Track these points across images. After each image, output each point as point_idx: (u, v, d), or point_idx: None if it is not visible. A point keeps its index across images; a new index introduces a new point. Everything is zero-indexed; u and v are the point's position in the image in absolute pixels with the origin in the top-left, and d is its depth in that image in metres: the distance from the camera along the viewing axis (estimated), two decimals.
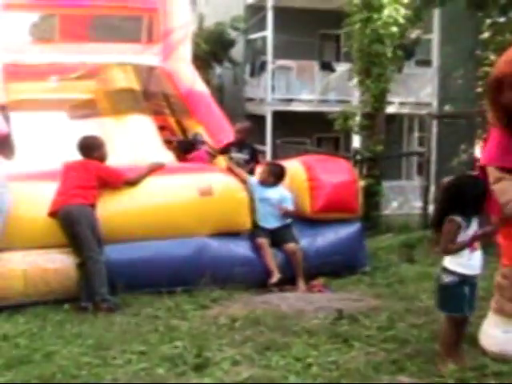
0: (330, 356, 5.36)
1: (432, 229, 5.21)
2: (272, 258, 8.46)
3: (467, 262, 4.94)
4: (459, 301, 4.97)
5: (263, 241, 8.51)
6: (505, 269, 5.47)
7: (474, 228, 4.95)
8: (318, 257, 8.76)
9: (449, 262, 5.00)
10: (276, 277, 8.32)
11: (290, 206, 8.80)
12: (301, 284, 8.39)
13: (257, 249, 8.52)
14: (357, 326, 6.20)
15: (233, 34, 25.91)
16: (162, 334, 6.10)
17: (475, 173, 5.29)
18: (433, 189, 17.28)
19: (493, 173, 5.32)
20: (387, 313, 6.61)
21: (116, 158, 8.80)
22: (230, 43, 26.00)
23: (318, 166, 9.47)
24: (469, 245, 4.92)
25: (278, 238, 8.65)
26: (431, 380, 4.89)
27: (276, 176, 8.93)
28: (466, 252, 4.94)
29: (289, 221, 8.82)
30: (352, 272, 8.96)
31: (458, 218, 4.87)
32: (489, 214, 5.44)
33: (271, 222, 8.72)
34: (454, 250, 4.91)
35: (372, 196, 16.52)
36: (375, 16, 16.39)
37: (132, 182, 8.15)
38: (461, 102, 24.74)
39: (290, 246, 8.61)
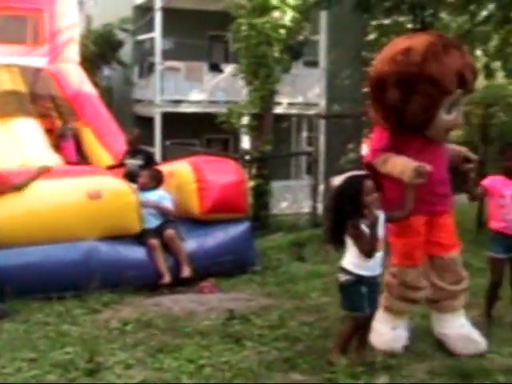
0: (222, 356, 5.38)
1: (330, 238, 5.20)
2: (163, 259, 8.45)
3: (364, 263, 4.96)
4: (356, 300, 5.01)
5: (154, 242, 8.49)
6: (393, 268, 5.60)
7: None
8: (208, 258, 8.79)
9: (346, 262, 5.02)
10: (167, 278, 8.32)
11: (167, 205, 8.87)
12: (185, 271, 8.47)
13: (148, 251, 8.49)
14: (248, 325, 6.24)
15: (121, 35, 25.64)
16: (52, 340, 6.00)
17: (361, 171, 5.35)
18: (321, 188, 17.53)
19: (377, 160, 5.43)
20: (278, 311, 6.68)
21: (2, 162, 8.61)
22: (119, 44, 25.71)
23: (206, 167, 9.51)
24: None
25: (162, 233, 8.66)
26: (323, 376, 4.97)
27: (156, 180, 9.01)
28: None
29: (171, 218, 8.87)
30: (242, 272, 9.03)
31: (358, 221, 4.88)
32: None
33: (153, 221, 8.74)
34: (371, 247, 4.88)
35: (261, 196, 16.64)
36: (263, 19, 16.51)
37: (19, 187, 7.99)
38: (348, 102, 25.21)
39: (169, 232, 8.66)
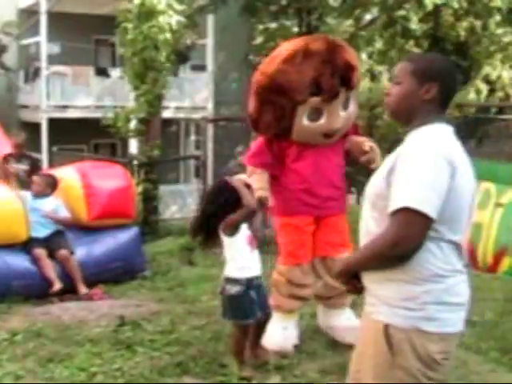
0: (114, 363, 5.35)
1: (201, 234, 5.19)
2: (51, 267, 8.30)
3: (248, 264, 5.02)
4: (247, 308, 5.02)
5: (40, 251, 8.33)
6: (280, 266, 5.69)
7: (244, 226, 5.04)
8: (98, 264, 8.70)
9: (230, 270, 5.03)
10: (57, 286, 8.18)
11: (62, 214, 8.70)
12: (81, 288, 8.31)
13: (35, 260, 8.31)
14: (139, 331, 6.22)
15: (5, 39, 25.02)
16: None
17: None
18: None
19: (248, 168, 5.65)
20: (169, 316, 6.68)
21: None
22: (2, 49, 25.09)
23: (93, 172, 9.40)
24: (249, 244, 5.02)
25: (51, 245, 8.48)
26: (215, 380, 5.01)
27: (51, 187, 8.80)
28: (247, 253, 5.01)
29: (60, 228, 8.70)
30: (132, 278, 8.99)
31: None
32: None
33: (42, 231, 8.54)
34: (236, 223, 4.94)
35: (150, 201, 16.53)
36: (149, 23, 16.43)
37: None
38: (236, 106, 25.35)
39: (62, 252, 8.48)
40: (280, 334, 5.59)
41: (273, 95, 5.34)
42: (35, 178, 9.01)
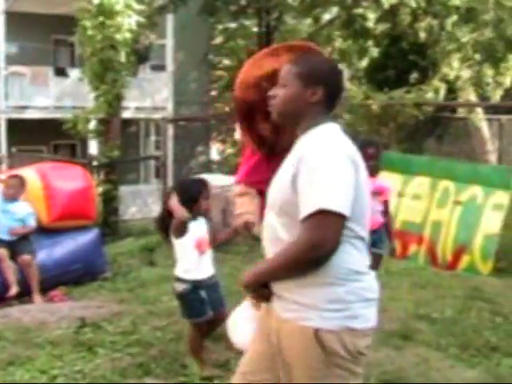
0: (75, 365, 5.32)
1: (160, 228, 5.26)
2: (12, 270, 8.20)
3: (196, 267, 5.04)
4: (198, 306, 5.05)
5: (2, 252, 8.23)
6: None
7: (195, 228, 5.06)
8: (58, 266, 8.63)
9: (179, 270, 5.08)
10: (13, 290, 8.07)
11: (32, 223, 8.58)
12: (37, 298, 8.20)
13: None
14: (100, 332, 6.19)
15: None
16: None
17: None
18: None
19: (238, 187, 5.45)
20: (130, 317, 6.65)
21: None
22: None
23: (53, 173, 9.31)
24: (197, 248, 5.04)
25: (14, 248, 8.38)
26: (177, 380, 5.01)
27: (23, 189, 8.61)
28: (194, 257, 5.03)
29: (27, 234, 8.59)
30: (93, 279, 8.94)
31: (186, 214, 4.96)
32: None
33: (8, 235, 8.43)
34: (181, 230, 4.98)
35: (110, 201, 16.47)
36: (108, 22, 16.35)
37: None
38: (196, 105, 25.33)
39: (25, 257, 8.35)
40: (251, 332, 5.55)
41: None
42: (9, 180, 8.70)
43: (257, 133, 5.24)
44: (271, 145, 5.29)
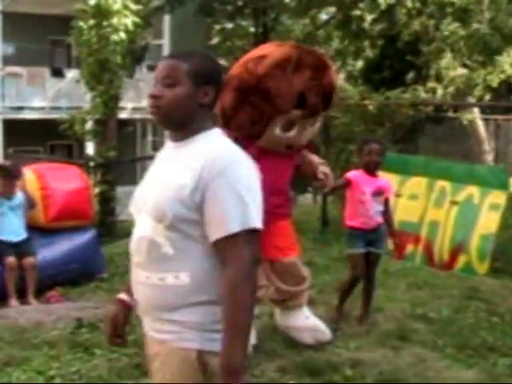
0: (72, 366, 5.30)
1: None
2: (14, 281, 8.16)
3: None
4: None
5: (11, 261, 8.16)
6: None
7: None
8: (54, 267, 8.64)
9: None
10: (14, 302, 8.02)
11: (30, 206, 8.64)
12: (31, 299, 8.19)
13: (3, 265, 8.19)
14: (97, 333, 6.17)
15: None
16: None
17: None
18: None
19: None
20: None
21: None
22: None
23: (50, 174, 9.32)
24: None
25: (19, 250, 8.36)
26: None
27: (15, 178, 8.56)
28: None
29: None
30: (90, 279, 8.94)
31: None
32: None
33: (15, 236, 8.43)
34: None
35: (107, 202, 16.47)
36: (104, 23, 16.35)
37: None
38: None
39: (31, 260, 8.37)
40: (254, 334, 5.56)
41: (256, 97, 5.13)
42: (18, 183, 8.63)
43: (220, 104, 5.15)
44: (226, 120, 5.30)
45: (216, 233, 2.60)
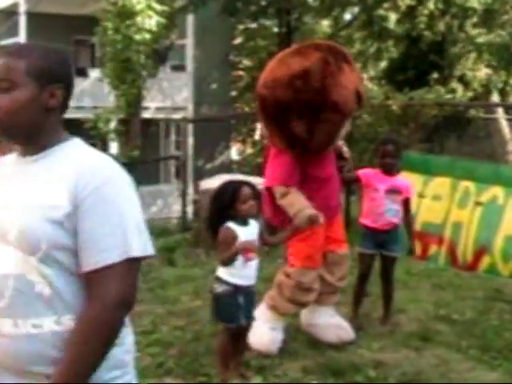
0: None
1: (210, 235, 4.95)
2: None
3: (240, 273, 4.74)
4: (233, 311, 4.80)
5: None
6: (290, 269, 5.60)
7: (247, 235, 4.67)
8: None
9: (222, 271, 4.80)
10: None
11: None
12: None
13: None
14: None
15: None
16: None
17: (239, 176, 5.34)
18: (191, 191, 17.57)
19: (278, 189, 5.36)
20: (150, 317, 6.66)
21: None
22: None
23: None
24: (243, 254, 4.62)
25: None
26: (196, 380, 5.00)
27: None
28: (239, 262, 4.66)
29: None
30: None
31: (234, 226, 4.64)
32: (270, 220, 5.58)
33: None
34: (227, 259, 4.62)
35: None
36: (128, 23, 16.41)
37: None
38: (216, 105, 25.34)
39: None
40: (268, 333, 5.55)
41: (326, 113, 5.13)
42: None
43: (288, 132, 5.26)
44: (304, 144, 5.30)
45: (85, 263, 2.16)
